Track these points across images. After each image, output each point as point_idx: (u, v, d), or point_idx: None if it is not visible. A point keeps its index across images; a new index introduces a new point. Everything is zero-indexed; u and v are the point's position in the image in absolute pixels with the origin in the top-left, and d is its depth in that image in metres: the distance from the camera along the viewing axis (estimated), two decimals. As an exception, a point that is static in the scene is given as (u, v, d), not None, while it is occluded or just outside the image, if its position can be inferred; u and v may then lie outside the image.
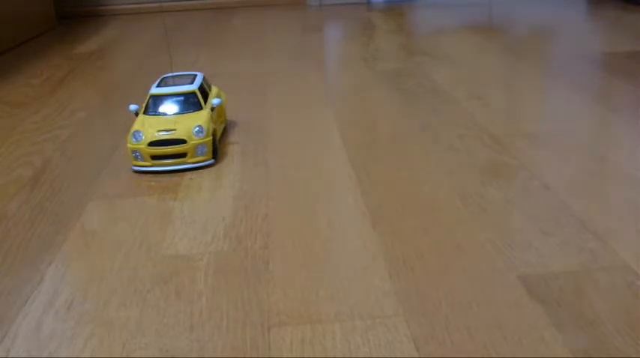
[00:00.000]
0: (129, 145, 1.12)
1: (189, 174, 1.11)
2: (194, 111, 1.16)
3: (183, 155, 1.12)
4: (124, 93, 1.65)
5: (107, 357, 0.66)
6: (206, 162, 1.14)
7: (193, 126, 1.13)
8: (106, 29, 2.63)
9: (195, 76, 1.24)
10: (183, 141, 1.12)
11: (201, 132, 1.13)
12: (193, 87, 1.19)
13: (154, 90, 1.18)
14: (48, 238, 0.92)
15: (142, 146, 1.11)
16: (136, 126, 1.14)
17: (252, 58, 1.98)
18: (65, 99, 1.63)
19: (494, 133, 1.23)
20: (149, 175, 1.12)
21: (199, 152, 1.13)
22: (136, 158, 1.13)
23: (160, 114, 1.16)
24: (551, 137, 1.20)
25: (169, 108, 1.17)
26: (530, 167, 1.07)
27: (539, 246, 0.83)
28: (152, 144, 1.11)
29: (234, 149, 1.22)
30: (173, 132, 1.12)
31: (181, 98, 1.18)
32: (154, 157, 1.12)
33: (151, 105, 1.17)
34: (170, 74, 1.25)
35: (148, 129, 1.12)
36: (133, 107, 1.18)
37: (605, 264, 0.78)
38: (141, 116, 1.16)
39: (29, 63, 2.07)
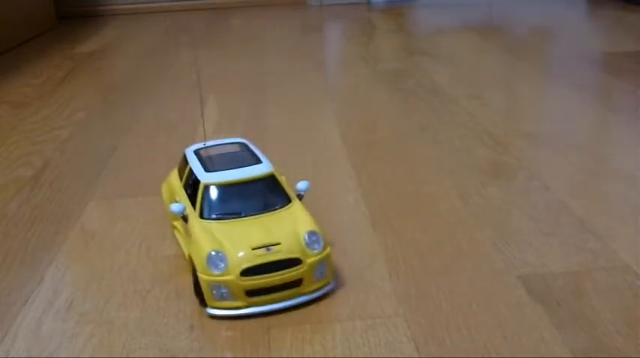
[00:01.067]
0: (204, 277, 0.70)
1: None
2: (282, 206, 0.76)
3: (296, 283, 0.72)
4: (124, 93, 1.65)
5: (107, 357, 0.66)
6: (327, 289, 0.74)
7: (303, 233, 0.72)
8: (106, 29, 2.63)
9: (245, 144, 0.85)
10: (297, 262, 0.71)
11: (318, 241, 0.73)
12: (268, 167, 0.78)
13: (210, 177, 0.76)
14: (48, 238, 0.92)
15: (232, 277, 0.69)
16: (208, 244, 0.71)
17: (252, 57, 1.98)
18: (65, 99, 1.63)
19: (494, 133, 1.23)
20: (149, 174, 1.12)
21: (318, 275, 0.73)
22: (219, 297, 0.70)
23: (230, 215, 0.74)
24: (551, 137, 1.20)
25: (242, 205, 0.75)
26: (530, 167, 1.07)
27: (539, 246, 0.83)
28: (248, 272, 0.69)
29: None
30: (277, 247, 0.70)
31: (256, 186, 0.76)
32: (252, 293, 0.70)
33: (212, 203, 0.75)
34: (202, 144, 0.85)
35: (232, 247, 0.70)
36: (177, 208, 0.76)
37: (605, 264, 0.78)
38: (198, 222, 0.74)
39: (29, 63, 2.07)
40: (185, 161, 0.84)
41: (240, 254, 0.69)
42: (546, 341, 0.65)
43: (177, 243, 0.86)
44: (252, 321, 0.71)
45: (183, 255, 0.82)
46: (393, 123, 1.32)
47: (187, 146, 1.16)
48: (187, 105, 1.52)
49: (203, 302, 0.71)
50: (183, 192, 0.81)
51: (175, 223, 0.85)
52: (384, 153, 1.16)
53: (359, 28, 2.39)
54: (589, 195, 0.96)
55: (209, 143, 0.86)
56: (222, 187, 0.75)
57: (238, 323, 0.70)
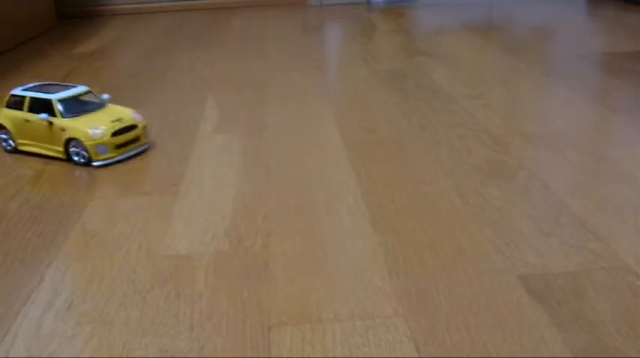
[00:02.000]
0: (90, 143, 1.15)
1: (189, 174, 1.11)
2: (104, 106, 1.24)
3: (136, 139, 1.22)
4: (124, 93, 1.65)
5: (107, 357, 0.66)
6: (148, 145, 1.26)
7: (130, 113, 1.23)
8: (106, 29, 2.63)
9: (53, 83, 1.29)
10: (135, 126, 1.21)
11: (139, 117, 1.25)
12: (85, 87, 1.24)
13: (57, 96, 1.19)
14: (48, 238, 0.92)
15: (108, 138, 1.16)
16: (85, 124, 1.16)
17: (252, 57, 1.98)
18: (65, 99, 1.62)
19: (494, 133, 1.23)
20: (148, 174, 1.12)
21: (145, 135, 1.25)
22: (101, 152, 1.16)
23: (81, 113, 1.19)
24: (551, 137, 1.20)
25: (83, 107, 1.21)
26: (530, 167, 1.07)
27: (539, 246, 0.83)
28: (115, 134, 1.18)
29: (233, 149, 1.22)
30: (122, 120, 1.20)
31: (82, 98, 1.23)
32: (118, 146, 1.19)
33: (66, 109, 1.19)
34: (22, 89, 1.26)
35: (99, 124, 1.17)
36: (44, 116, 1.18)
37: (605, 264, 0.78)
38: (65, 120, 1.17)
39: (29, 63, 2.07)
40: (19, 97, 1.24)
41: (107, 126, 1.18)
42: (546, 341, 0.65)
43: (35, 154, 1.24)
44: (252, 321, 0.71)
45: (46, 153, 1.22)
46: (393, 123, 1.32)
47: (187, 145, 1.19)
48: (187, 105, 1.52)
49: (89, 161, 1.17)
50: (31, 114, 1.21)
51: (24, 142, 1.25)
52: (384, 153, 1.16)
53: (359, 28, 2.39)
54: (589, 195, 0.96)
55: (27, 86, 1.26)
56: (66, 100, 1.20)
57: (239, 323, 0.71)
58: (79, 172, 1.15)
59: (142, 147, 1.23)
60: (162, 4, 3.02)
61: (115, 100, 1.59)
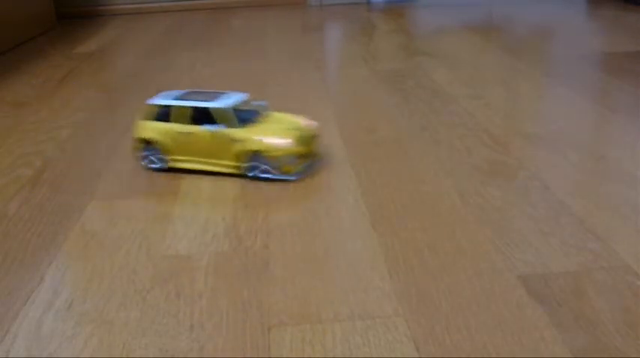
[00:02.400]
0: (279, 153, 1.02)
1: (189, 174, 1.11)
2: (266, 114, 1.11)
3: (314, 150, 1.09)
4: (124, 93, 1.65)
5: (107, 357, 0.66)
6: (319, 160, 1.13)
7: (301, 121, 1.08)
8: (106, 29, 2.63)
9: (192, 91, 1.16)
10: (316, 136, 1.09)
11: (312, 124, 1.11)
12: (244, 94, 1.12)
13: (219, 104, 1.05)
14: (48, 238, 0.92)
15: (297, 147, 1.03)
16: (267, 133, 1.03)
17: (252, 57, 1.98)
18: (65, 99, 1.63)
19: (494, 133, 1.23)
20: (148, 174, 1.12)
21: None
22: (290, 163, 1.03)
23: (250, 121, 1.06)
24: (551, 137, 1.20)
25: (249, 115, 1.08)
26: (530, 167, 1.07)
27: (539, 246, 0.83)
28: (301, 142, 1.04)
29: (234, 149, 1.22)
30: (302, 129, 1.06)
31: (242, 105, 1.09)
32: (304, 156, 1.06)
33: (237, 118, 1.06)
34: (164, 96, 1.11)
35: (280, 133, 1.03)
36: (213, 127, 1.05)
37: (605, 264, 0.78)
38: (241, 130, 1.04)
39: (29, 63, 2.07)
40: (165, 108, 1.08)
41: (289, 135, 1.03)
42: (546, 341, 0.65)
43: (198, 170, 1.11)
44: (252, 321, 0.71)
45: (211, 169, 1.08)
46: (393, 123, 1.32)
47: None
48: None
49: (271, 175, 1.03)
50: (191, 126, 1.06)
51: (181, 158, 1.09)
52: (384, 153, 1.16)
53: (359, 28, 2.39)
54: (589, 195, 0.96)
55: (167, 94, 1.11)
56: (233, 109, 1.05)
57: (239, 323, 0.71)
58: (80, 172, 1.15)
59: (319, 159, 1.12)
60: (162, 4, 3.02)
61: (115, 100, 1.59)
